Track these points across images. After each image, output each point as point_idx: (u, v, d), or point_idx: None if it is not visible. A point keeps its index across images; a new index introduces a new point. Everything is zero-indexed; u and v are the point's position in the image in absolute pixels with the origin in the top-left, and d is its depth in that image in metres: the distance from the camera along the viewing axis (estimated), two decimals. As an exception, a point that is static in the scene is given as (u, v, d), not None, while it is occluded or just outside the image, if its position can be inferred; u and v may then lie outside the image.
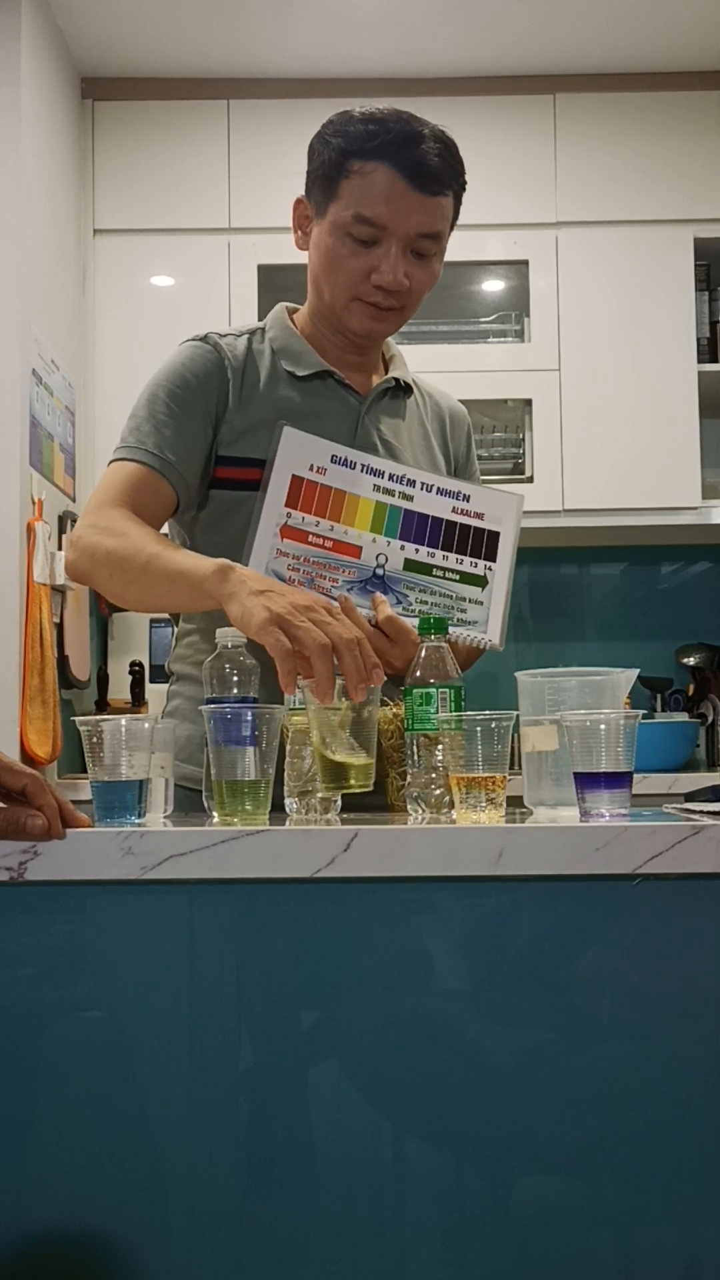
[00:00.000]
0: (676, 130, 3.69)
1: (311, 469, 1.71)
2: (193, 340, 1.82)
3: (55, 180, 3.39)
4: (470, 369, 3.53)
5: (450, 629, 1.69)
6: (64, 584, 3.21)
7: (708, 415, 3.67)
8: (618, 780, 1.28)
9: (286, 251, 3.58)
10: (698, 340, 3.65)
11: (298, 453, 1.71)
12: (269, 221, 3.62)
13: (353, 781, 1.37)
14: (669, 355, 3.63)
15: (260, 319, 1.88)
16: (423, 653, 1.52)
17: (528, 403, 3.64)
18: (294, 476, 1.70)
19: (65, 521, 3.31)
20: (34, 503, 3.09)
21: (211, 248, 3.63)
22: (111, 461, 1.75)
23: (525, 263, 3.65)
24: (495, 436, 3.71)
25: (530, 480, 3.59)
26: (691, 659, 3.89)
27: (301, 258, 3.78)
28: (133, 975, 1.22)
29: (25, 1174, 1.21)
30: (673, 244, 3.65)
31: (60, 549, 3.24)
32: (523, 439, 3.71)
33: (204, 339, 1.81)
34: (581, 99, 3.70)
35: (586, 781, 1.29)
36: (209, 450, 1.76)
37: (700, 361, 3.64)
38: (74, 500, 3.46)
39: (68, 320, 3.48)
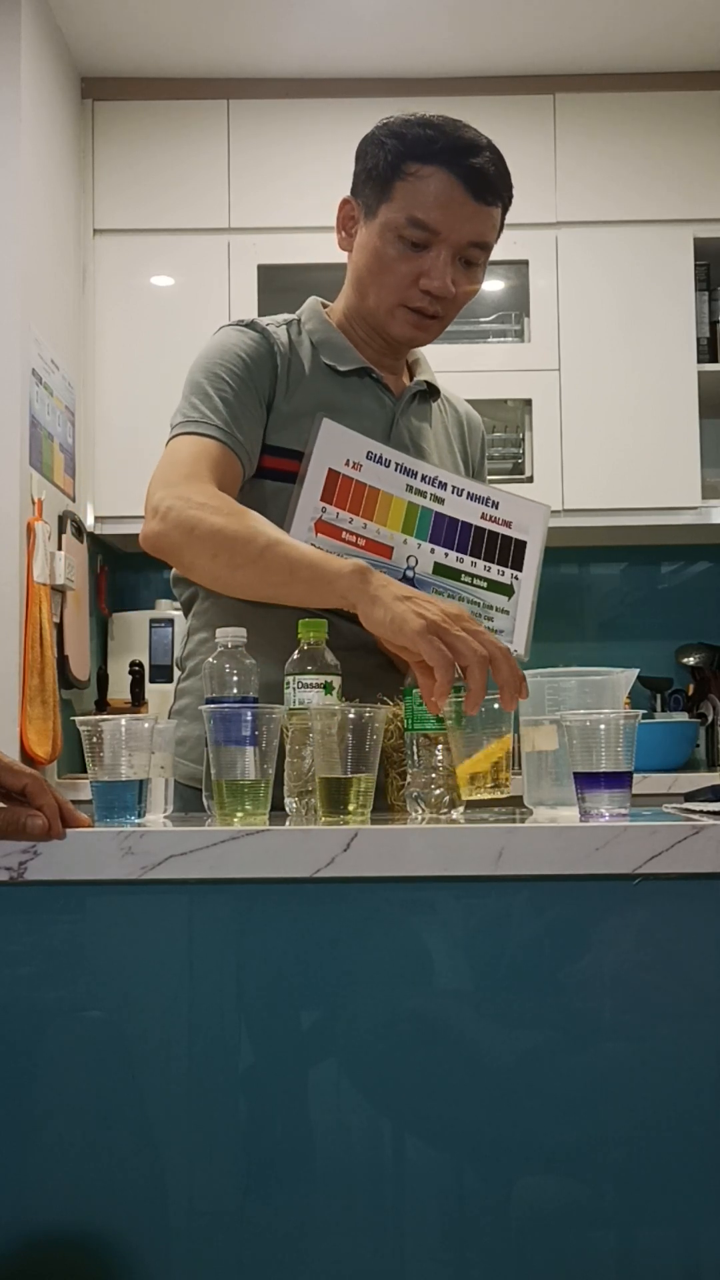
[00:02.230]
0: (676, 130, 3.69)
1: (347, 464, 1.70)
2: (237, 326, 1.80)
3: (55, 180, 3.39)
4: (470, 369, 3.53)
5: None
6: (64, 584, 3.21)
7: (708, 415, 3.67)
8: (618, 780, 1.28)
9: (286, 251, 3.62)
10: (698, 340, 3.65)
11: (335, 446, 1.70)
12: (269, 221, 3.63)
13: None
14: (669, 355, 3.63)
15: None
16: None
17: (528, 403, 3.64)
18: (330, 471, 1.69)
19: (65, 521, 3.31)
20: (34, 503, 3.09)
21: (211, 248, 3.63)
22: (177, 435, 1.70)
23: (525, 263, 3.65)
24: (495, 436, 3.71)
25: (530, 480, 3.60)
26: (691, 659, 3.89)
27: (301, 258, 3.79)
28: (133, 975, 1.22)
29: (25, 1174, 1.21)
30: (673, 244, 3.65)
31: (60, 549, 3.24)
32: (523, 439, 3.71)
33: (250, 325, 1.79)
34: (581, 99, 3.70)
35: (586, 781, 1.29)
36: (263, 435, 1.74)
37: (700, 361, 3.64)
38: (73, 500, 3.46)
39: (68, 320, 3.48)
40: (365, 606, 1.45)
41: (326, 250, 3.47)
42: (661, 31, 3.54)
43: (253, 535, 1.55)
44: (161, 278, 3.65)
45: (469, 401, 2.02)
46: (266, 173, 3.65)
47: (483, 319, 3.74)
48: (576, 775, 1.29)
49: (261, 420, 1.73)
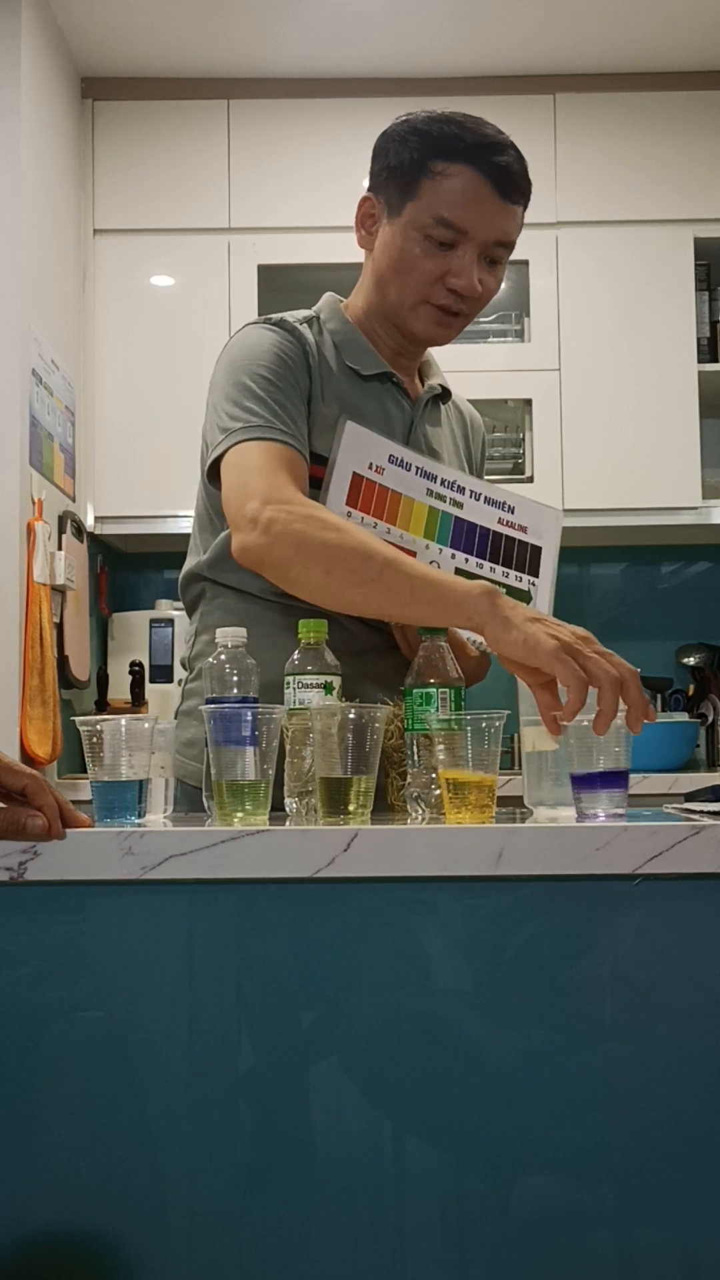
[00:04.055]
0: (676, 130, 3.69)
1: (370, 468, 1.68)
2: (264, 325, 1.75)
3: (55, 180, 3.39)
4: (470, 369, 3.53)
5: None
6: (64, 584, 3.21)
7: (708, 415, 3.67)
8: (614, 780, 1.28)
9: (287, 251, 3.63)
10: (698, 340, 3.65)
11: (359, 449, 1.68)
12: (269, 221, 3.63)
13: None
14: (669, 355, 3.63)
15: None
16: (422, 653, 1.52)
17: (528, 403, 3.64)
18: (354, 474, 1.67)
19: (65, 521, 3.31)
20: (34, 503, 3.09)
21: (211, 248, 3.63)
22: (242, 441, 1.64)
23: (525, 263, 3.65)
24: (495, 436, 3.71)
25: (530, 480, 3.59)
26: (691, 659, 3.89)
27: (301, 258, 3.79)
28: (133, 975, 1.22)
29: (25, 1174, 1.21)
30: (673, 244, 3.64)
31: (60, 549, 3.24)
32: (523, 439, 3.71)
33: (279, 324, 1.75)
34: (581, 99, 3.70)
35: (583, 783, 1.29)
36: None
37: (700, 361, 3.64)
38: (73, 500, 3.46)
39: (68, 320, 3.48)
40: (495, 629, 1.41)
41: (326, 250, 3.51)
42: (661, 31, 3.54)
43: (369, 553, 1.51)
44: (161, 278, 3.65)
45: (469, 401, 2.02)
46: (266, 173, 3.65)
47: (483, 319, 3.74)
48: (573, 777, 1.29)
49: (306, 423, 1.70)
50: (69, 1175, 1.21)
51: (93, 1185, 1.21)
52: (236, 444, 1.64)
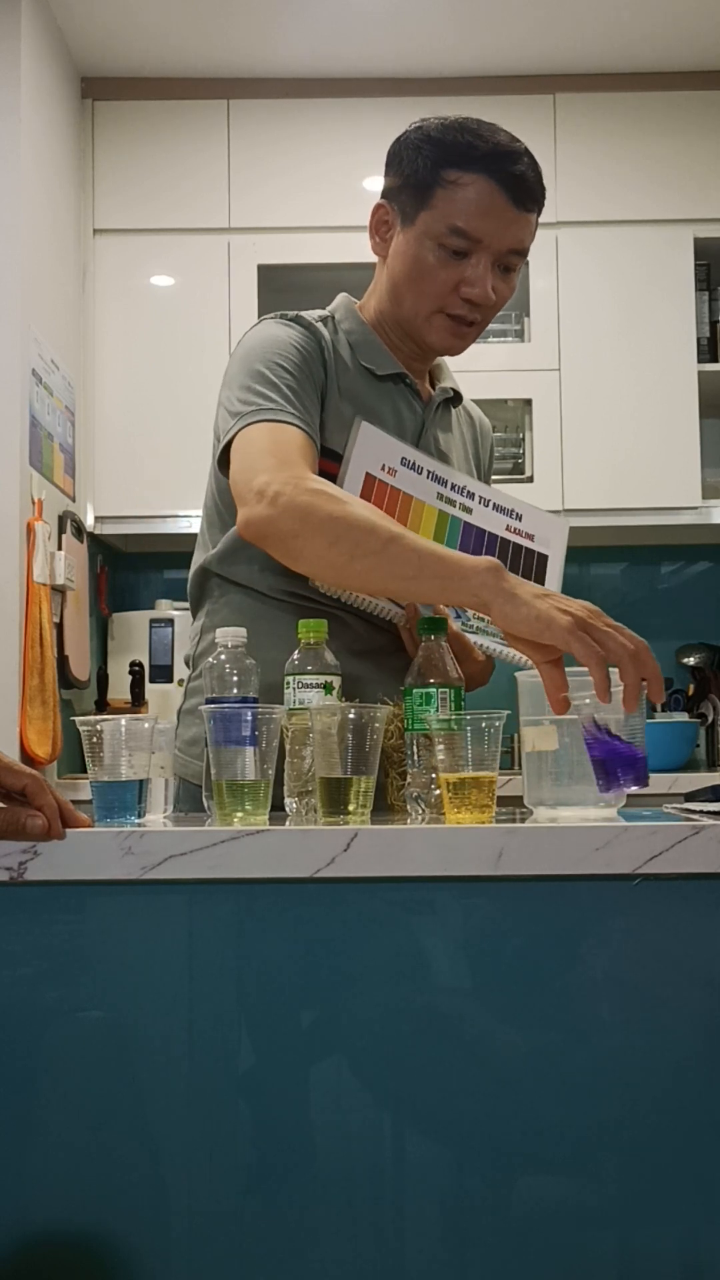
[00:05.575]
0: (676, 130, 3.69)
1: (383, 469, 1.68)
2: (280, 320, 1.75)
3: (55, 180, 3.39)
4: (470, 369, 3.52)
5: (501, 647, 1.68)
6: (64, 584, 3.21)
7: (708, 415, 3.67)
8: (634, 752, 1.30)
9: (286, 251, 3.63)
10: (698, 340, 3.65)
11: (372, 450, 1.68)
12: (269, 221, 3.63)
13: None
14: (669, 355, 3.63)
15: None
16: (423, 652, 1.52)
17: (528, 403, 3.64)
18: (367, 475, 1.66)
19: (65, 521, 3.31)
20: (34, 503, 3.09)
21: (211, 248, 3.63)
22: (252, 424, 1.62)
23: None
24: (495, 437, 3.70)
25: (530, 480, 3.59)
26: (691, 659, 3.89)
27: (301, 258, 3.79)
28: (133, 975, 1.22)
29: (25, 1174, 1.21)
30: (673, 244, 3.65)
31: (60, 549, 3.24)
32: (523, 439, 3.71)
33: (295, 319, 1.74)
34: (581, 99, 3.70)
35: (604, 754, 1.29)
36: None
37: (700, 361, 3.64)
38: (73, 500, 3.46)
39: (68, 320, 3.48)
40: (503, 605, 1.39)
41: (326, 250, 3.51)
42: (661, 31, 3.54)
43: (374, 526, 1.49)
44: (161, 278, 3.65)
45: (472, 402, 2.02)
46: (266, 173, 3.65)
47: (483, 319, 3.74)
48: (593, 752, 1.30)
49: (319, 412, 1.69)
50: (69, 1175, 1.21)
51: (93, 1185, 1.21)
52: (247, 426, 1.63)
